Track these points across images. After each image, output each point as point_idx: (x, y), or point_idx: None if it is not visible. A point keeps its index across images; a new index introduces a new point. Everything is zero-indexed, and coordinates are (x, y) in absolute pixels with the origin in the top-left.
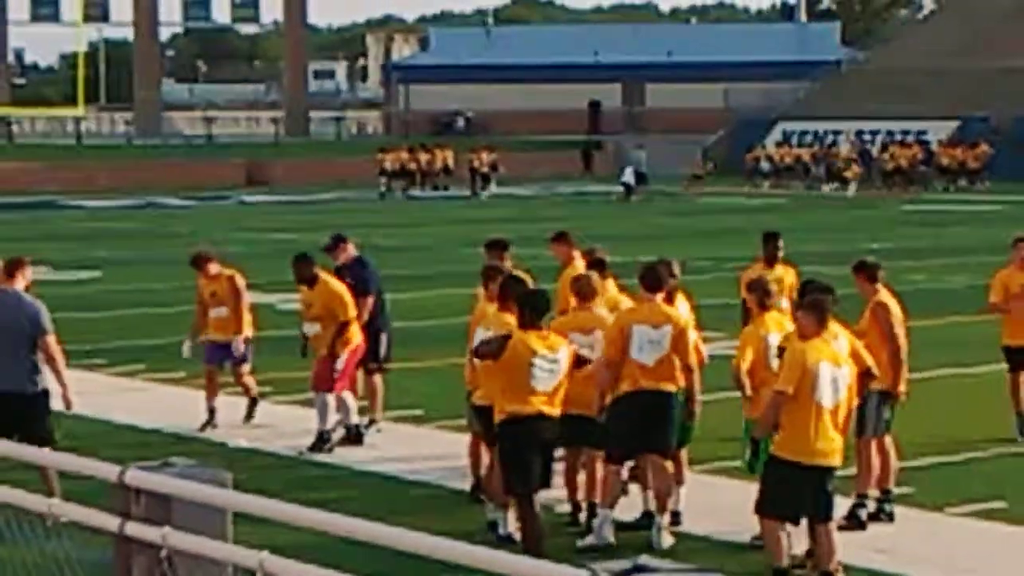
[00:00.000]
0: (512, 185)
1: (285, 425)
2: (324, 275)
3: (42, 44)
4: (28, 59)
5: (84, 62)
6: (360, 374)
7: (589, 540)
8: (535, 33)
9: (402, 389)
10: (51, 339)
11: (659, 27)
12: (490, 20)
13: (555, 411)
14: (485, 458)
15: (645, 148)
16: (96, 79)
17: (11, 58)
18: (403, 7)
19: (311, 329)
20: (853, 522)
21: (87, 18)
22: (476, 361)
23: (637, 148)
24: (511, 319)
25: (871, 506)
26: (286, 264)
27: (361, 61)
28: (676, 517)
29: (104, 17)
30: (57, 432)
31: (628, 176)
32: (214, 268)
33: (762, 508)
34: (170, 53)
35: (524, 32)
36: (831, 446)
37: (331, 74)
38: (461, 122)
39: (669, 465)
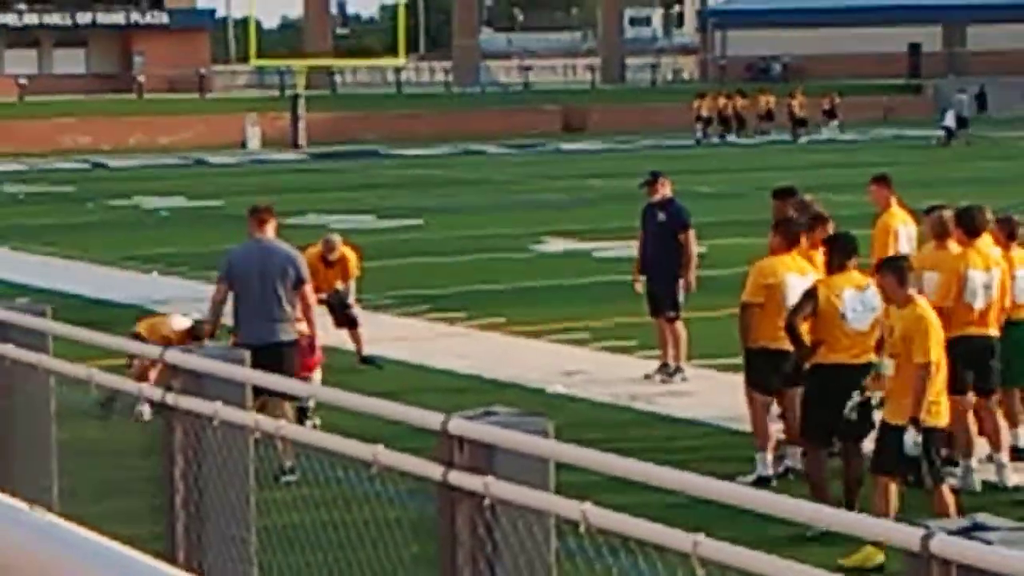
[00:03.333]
0: (832, 130)
1: (600, 372)
2: None
3: None
4: (350, 10)
5: (404, 12)
6: (661, 322)
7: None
8: None
9: (722, 337)
10: (309, 288)
11: None
12: None
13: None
14: None
15: (967, 92)
16: (416, 29)
17: (334, 9)
18: None
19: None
20: None
21: None
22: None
23: (959, 92)
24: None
25: None
26: (604, 211)
27: (677, 7)
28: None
29: None
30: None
31: (949, 120)
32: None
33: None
34: (488, 2)
35: None
36: None
37: (647, 20)
38: (777, 67)
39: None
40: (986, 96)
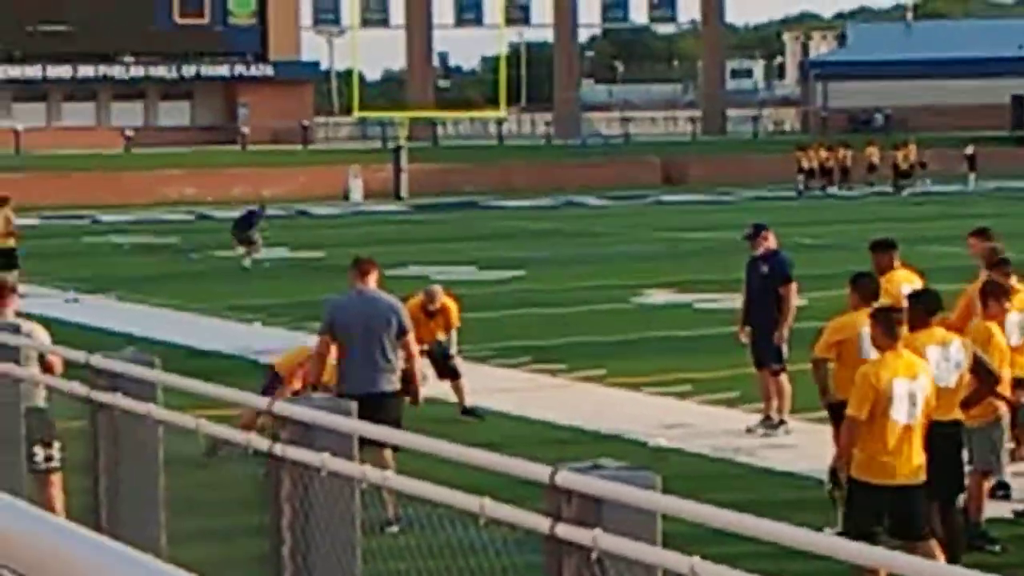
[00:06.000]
0: (934, 182)
1: (702, 424)
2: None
3: (465, 47)
4: (452, 62)
5: (505, 64)
6: (765, 375)
7: None
8: (955, 27)
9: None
10: (412, 338)
11: None
12: (909, 15)
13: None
14: None
15: None
16: (517, 81)
17: (436, 61)
18: (820, 4)
19: None
20: None
21: (509, 21)
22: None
23: None
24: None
25: None
26: (704, 264)
27: (778, 59)
28: None
29: (525, 20)
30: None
31: None
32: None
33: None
34: (589, 54)
35: (944, 27)
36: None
37: (748, 72)
38: (879, 119)
39: None
40: None
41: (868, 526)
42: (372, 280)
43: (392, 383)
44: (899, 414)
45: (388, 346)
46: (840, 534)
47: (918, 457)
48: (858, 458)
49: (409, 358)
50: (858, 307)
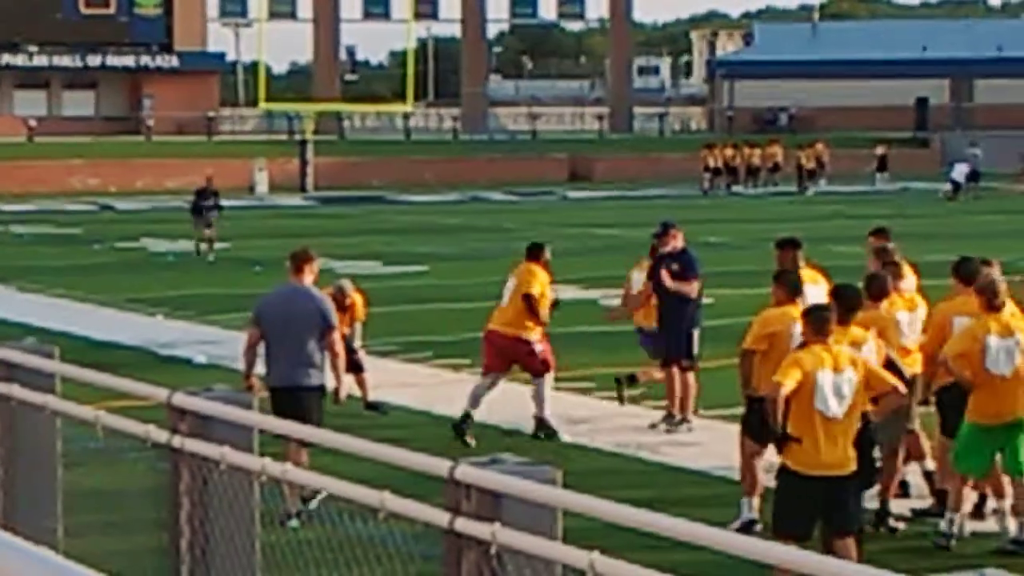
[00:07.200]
0: (839, 182)
1: (605, 421)
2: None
3: (373, 41)
4: (359, 56)
5: (413, 59)
6: (674, 372)
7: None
8: (861, 29)
9: (722, 387)
10: (337, 335)
11: (989, 22)
12: (815, 16)
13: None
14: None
15: (979, 145)
16: (424, 75)
17: (343, 55)
18: (728, 3)
19: None
20: None
21: (417, 15)
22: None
23: (971, 145)
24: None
25: None
26: (610, 260)
27: (685, 57)
28: None
29: (433, 14)
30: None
31: (958, 173)
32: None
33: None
34: (497, 50)
35: (850, 28)
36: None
37: (655, 70)
38: (785, 118)
39: None
40: None
41: (800, 517)
42: (306, 275)
43: (312, 378)
44: (823, 405)
45: (309, 342)
46: (775, 525)
47: (849, 448)
48: (790, 450)
49: (333, 356)
50: (782, 303)
